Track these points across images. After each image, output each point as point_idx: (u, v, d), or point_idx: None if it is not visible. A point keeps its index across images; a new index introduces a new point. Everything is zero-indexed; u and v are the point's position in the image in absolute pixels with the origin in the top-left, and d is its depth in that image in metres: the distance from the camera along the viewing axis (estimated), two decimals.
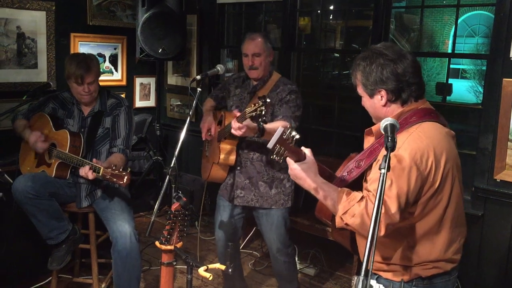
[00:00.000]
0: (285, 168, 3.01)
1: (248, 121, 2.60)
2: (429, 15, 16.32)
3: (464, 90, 14.55)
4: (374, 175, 1.74)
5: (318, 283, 3.81)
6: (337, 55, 6.28)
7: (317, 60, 6.13)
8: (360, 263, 1.33)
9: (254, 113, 2.52)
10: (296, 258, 3.89)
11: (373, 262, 1.30)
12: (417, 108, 1.84)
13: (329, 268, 3.99)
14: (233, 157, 3.03)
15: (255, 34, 3.06)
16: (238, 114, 2.63)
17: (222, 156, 3.01)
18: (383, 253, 1.86)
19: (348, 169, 1.92)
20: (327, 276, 3.92)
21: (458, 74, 17.39)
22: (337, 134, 4.27)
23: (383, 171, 1.40)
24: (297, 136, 1.69)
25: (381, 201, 1.36)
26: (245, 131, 2.63)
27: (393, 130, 1.51)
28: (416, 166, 1.68)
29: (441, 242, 1.82)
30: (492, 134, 3.17)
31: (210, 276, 2.00)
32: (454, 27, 15.65)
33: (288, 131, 1.68)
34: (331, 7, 5.92)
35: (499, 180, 3.17)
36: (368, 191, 1.71)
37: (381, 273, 1.91)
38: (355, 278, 1.29)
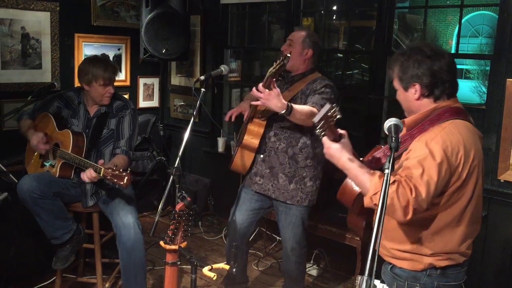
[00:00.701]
0: (309, 166, 3.06)
1: (273, 83, 2.61)
2: (433, 15, 16.30)
3: (468, 90, 14.50)
4: (407, 163, 1.81)
5: (321, 283, 3.81)
6: (340, 55, 6.28)
7: (320, 60, 6.13)
8: (365, 263, 1.34)
9: (274, 69, 2.55)
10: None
11: (377, 255, 1.31)
12: (450, 106, 1.92)
13: (332, 268, 3.99)
14: (256, 141, 2.99)
15: (303, 27, 3.12)
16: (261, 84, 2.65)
17: (246, 137, 3.00)
18: (401, 241, 1.94)
19: (376, 158, 2.01)
20: (330, 276, 3.92)
21: (461, 74, 17.35)
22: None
23: (387, 171, 1.42)
24: (339, 116, 1.79)
25: (385, 200, 1.39)
26: (268, 98, 2.59)
27: (396, 130, 1.53)
28: (447, 158, 1.77)
29: (458, 235, 1.90)
30: (495, 134, 3.17)
31: (214, 276, 2.01)
32: (457, 27, 15.63)
33: (333, 109, 1.78)
34: (334, 8, 5.93)
35: (502, 181, 3.17)
36: (401, 176, 1.78)
37: (396, 262, 1.98)
38: (359, 277, 1.30)
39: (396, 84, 1.99)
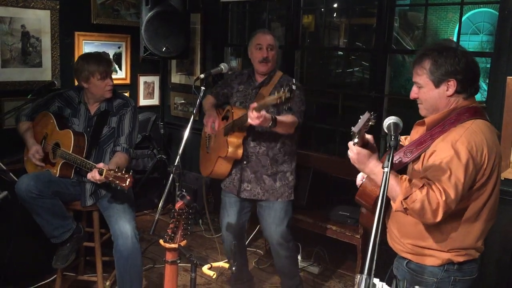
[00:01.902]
0: (287, 161, 3.13)
1: (264, 112, 2.65)
2: (433, 13, 16.25)
3: None
4: (434, 165, 1.83)
5: (321, 281, 3.81)
6: (341, 53, 6.27)
7: (321, 58, 6.13)
8: (365, 262, 1.34)
9: (278, 100, 2.55)
10: (300, 256, 3.91)
11: (376, 256, 1.31)
12: (468, 105, 1.93)
13: (332, 266, 3.99)
14: (240, 151, 3.05)
15: (265, 29, 3.19)
16: (256, 105, 2.66)
17: (230, 149, 3.03)
18: (420, 237, 1.96)
19: (395, 158, 1.98)
20: (331, 274, 3.92)
21: None
22: (341, 133, 4.27)
23: (386, 169, 1.41)
24: (372, 123, 1.79)
25: (384, 199, 1.38)
26: (262, 121, 2.65)
27: (396, 129, 1.53)
28: (473, 158, 1.80)
29: (476, 231, 1.94)
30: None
31: (214, 274, 2.00)
32: (458, 24, 15.59)
33: (372, 116, 1.76)
34: (335, 5, 5.91)
35: (503, 179, 3.16)
36: (429, 179, 1.79)
37: (413, 257, 2.00)
38: (358, 276, 1.30)
39: (424, 80, 1.95)
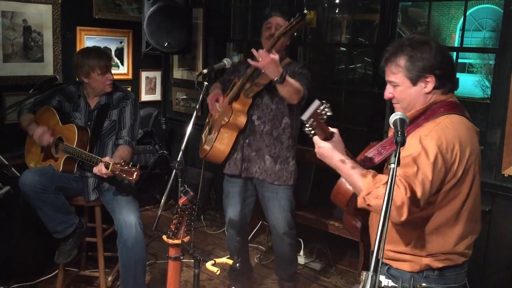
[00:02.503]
0: (291, 146, 3.11)
1: (276, 55, 2.62)
2: (436, 9, 16.21)
3: (471, 85, 14.45)
4: (402, 160, 1.72)
5: (323, 278, 3.81)
6: (343, 49, 6.24)
7: (323, 54, 6.10)
8: (367, 258, 1.33)
9: (290, 27, 2.53)
10: (302, 252, 3.91)
11: (383, 254, 1.29)
12: (445, 100, 1.85)
13: (334, 262, 3.99)
14: (243, 119, 3.01)
15: (279, 14, 3.22)
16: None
17: (233, 116, 2.99)
18: (396, 242, 1.86)
19: (370, 155, 1.93)
20: (333, 270, 3.92)
21: (464, 68, 17.29)
22: (343, 129, 4.24)
23: (392, 165, 1.39)
24: (330, 113, 1.69)
25: (391, 196, 1.36)
26: (272, 63, 2.61)
27: (402, 124, 1.50)
28: (442, 155, 1.70)
29: (455, 235, 1.83)
30: (500, 128, 3.15)
31: (218, 270, 2.00)
32: (462, 21, 15.53)
33: (323, 106, 1.67)
34: (337, 1, 5.88)
35: (507, 175, 3.15)
36: None
37: (392, 263, 1.92)
38: (364, 273, 1.28)
39: (400, 78, 1.84)
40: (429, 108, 1.83)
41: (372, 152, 1.93)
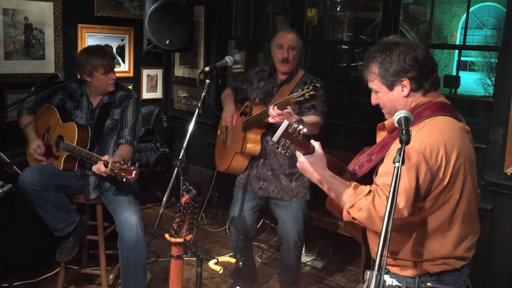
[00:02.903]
0: None
1: (289, 109, 2.67)
2: (438, 7, 16.18)
3: (472, 83, 14.43)
4: (383, 168, 1.71)
5: (325, 276, 3.80)
6: (345, 47, 6.23)
7: (325, 52, 6.09)
8: (369, 257, 1.32)
9: (302, 97, 2.58)
10: (304, 251, 3.90)
11: (386, 257, 1.28)
12: (431, 101, 1.80)
13: (336, 261, 3.98)
14: (258, 147, 3.06)
15: (289, 28, 3.20)
16: (276, 102, 2.71)
17: (248, 145, 3.04)
18: (392, 247, 1.83)
19: (359, 163, 1.90)
20: (335, 269, 3.91)
21: (466, 66, 17.27)
22: (345, 127, 4.25)
23: (397, 164, 1.38)
24: (304, 130, 1.65)
25: (395, 195, 1.34)
26: (283, 118, 2.64)
27: (407, 123, 1.48)
28: (425, 160, 1.64)
29: (452, 239, 1.79)
30: (503, 127, 3.14)
31: (221, 269, 1.99)
32: (464, 19, 15.50)
33: (294, 125, 1.63)
34: None
35: (509, 174, 3.14)
36: (377, 185, 1.67)
37: (389, 268, 1.89)
38: (368, 273, 1.27)
39: (376, 85, 1.84)
40: (414, 111, 1.78)
41: (362, 160, 1.91)
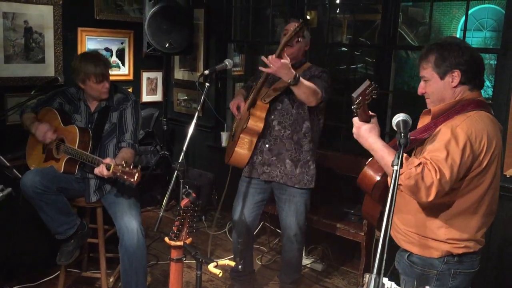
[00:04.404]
0: (312, 150, 3.13)
1: (285, 60, 2.69)
2: (437, 9, 16.19)
3: None
4: (432, 146, 1.86)
5: (325, 278, 3.81)
6: (344, 49, 6.23)
7: (324, 54, 6.09)
8: (369, 258, 1.33)
9: (294, 33, 2.59)
10: (304, 253, 3.90)
11: (386, 253, 1.29)
12: (475, 98, 1.98)
13: (336, 263, 3.98)
14: (261, 124, 3.04)
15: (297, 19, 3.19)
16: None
17: (250, 121, 3.03)
18: (418, 226, 1.99)
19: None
20: (335, 271, 3.91)
21: None
22: (345, 129, 4.25)
23: (395, 167, 1.40)
24: (375, 96, 1.80)
25: (395, 192, 1.39)
26: (282, 67, 2.67)
27: (405, 126, 1.52)
28: (471, 143, 1.83)
29: (475, 223, 1.96)
30: (502, 129, 3.13)
31: (220, 272, 1.99)
32: (463, 21, 15.49)
33: (372, 86, 1.78)
34: (338, 1, 5.88)
35: (509, 176, 3.14)
36: (426, 159, 1.81)
37: (413, 249, 2.03)
38: (367, 276, 1.28)
39: (429, 73, 2.00)
40: (458, 103, 1.96)
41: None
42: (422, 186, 1.76)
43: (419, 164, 1.78)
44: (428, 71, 2.01)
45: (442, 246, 1.97)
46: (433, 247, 1.98)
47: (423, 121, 2.08)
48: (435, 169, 1.77)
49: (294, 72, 2.72)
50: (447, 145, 1.81)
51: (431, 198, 1.77)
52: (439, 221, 1.96)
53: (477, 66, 1.99)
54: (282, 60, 2.68)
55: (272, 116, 3.08)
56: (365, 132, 1.92)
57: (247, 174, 3.21)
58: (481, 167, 1.89)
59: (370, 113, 1.94)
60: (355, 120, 1.93)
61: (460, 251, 1.97)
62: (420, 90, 2.07)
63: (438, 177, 1.76)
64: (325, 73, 3.06)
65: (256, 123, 3.04)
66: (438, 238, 1.97)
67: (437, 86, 2.01)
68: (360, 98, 1.79)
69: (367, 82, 1.79)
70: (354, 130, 1.96)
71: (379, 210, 2.14)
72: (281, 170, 3.11)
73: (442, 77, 1.99)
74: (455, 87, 1.98)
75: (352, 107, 1.84)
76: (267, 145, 3.11)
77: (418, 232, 2.01)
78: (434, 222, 1.97)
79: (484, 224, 2.00)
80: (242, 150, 3.11)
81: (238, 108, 3.23)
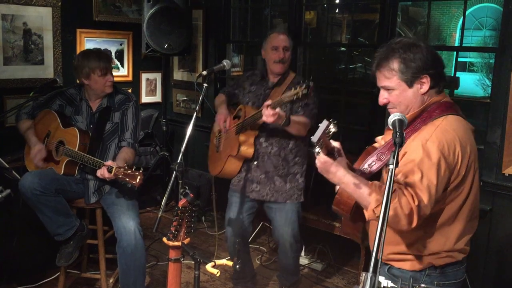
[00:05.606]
0: (298, 163, 3.16)
1: (278, 109, 2.71)
2: (436, 8, 16.20)
3: (471, 84, 14.44)
4: (404, 167, 1.73)
5: (325, 278, 3.81)
6: (343, 49, 6.25)
7: (323, 54, 6.10)
8: (369, 258, 1.33)
9: (295, 97, 2.60)
10: (303, 253, 3.90)
11: (382, 254, 1.29)
12: (439, 101, 1.84)
13: (336, 263, 3.98)
14: (251, 150, 3.07)
15: (281, 29, 3.26)
16: (270, 102, 2.72)
17: (241, 148, 3.05)
18: (397, 243, 1.88)
19: (368, 162, 1.93)
20: (334, 271, 3.92)
21: (465, 67, 17.27)
22: (343, 129, 4.25)
23: (391, 166, 1.40)
24: (334, 130, 1.73)
25: (390, 196, 1.36)
26: (276, 118, 2.70)
27: (401, 125, 1.51)
28: (444, 158, 1.70)
29: (456, 233, 1.84)
30: (500, 128, 3.15)
31: (218, 272, 2.00)
32: (461, 20, 15.52)
33: (331, 124, 1.72)
34: (337, 1, 5.89)
35: (507, 175, 3.14)
36: (400, 184, 1.70)
37: (393, 263, 1.93)
38: (363, 274, 1.28)
39: (395, 82, 1.82)
40: (424, 110, 1.83)
41: (371, 159, 1.92)
42: (401, 215, 1.65)
43: (393, 192, 1.66)
44: (393, 80, 1.81)
45: (424, 259, 1.86)
46: (414, 260, 1.87)
47: (388, 134, 1.94)
48: (412, 195, 1.66)
49: (285, 116, 2.78)
50: (420, 165, 1.68)
51: (413, 225, 1.67)
52: (419, 236, 1.84)
53: (441, 66, 1.84)
54: (276, 111, 2.70)
55: (259, 133, 3.09)
56: (331, 166, 1.78)
57: (236, 189, 3.22)
58: (460, 177, 1.77)
59: (333, 143, 1.84)
60: (320, 156, 1.77)
61: (443, 262, 1.85)
62: (382, 101, 1.88)
63: (416, 203, 1.65)
64: (310, 99, 2.94)
65: (247, 150, 3.08)
66: (418, 253, 1.86)
67: (405, 95, 1.82)
68: (321, 140, 1.71)
69: (325, 123, 1.70)
70: (318, 165, 1.80)
71: (361, 227, 2.06)
72: (271, 187, 3.12)
73: (410, 85, 1.81)
74: (425, 93, 1.82)
75: (313, 150, 1.72)
76: (255, 162, 3.13)
77: (397, 250, 1.89)
78: (412, 237, 1.84)
79: (467, 231, 1.88)
80: (230, 168, 3.18)
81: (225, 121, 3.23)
